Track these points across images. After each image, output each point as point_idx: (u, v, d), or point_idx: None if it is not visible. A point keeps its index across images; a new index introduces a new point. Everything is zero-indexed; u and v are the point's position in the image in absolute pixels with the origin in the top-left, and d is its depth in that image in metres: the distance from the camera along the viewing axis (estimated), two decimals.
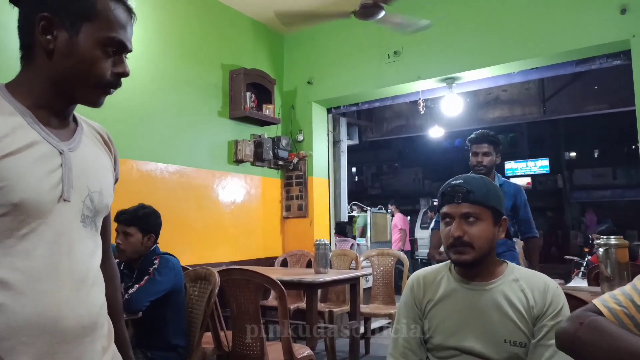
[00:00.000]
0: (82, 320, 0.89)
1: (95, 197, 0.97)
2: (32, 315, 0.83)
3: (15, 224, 0.84)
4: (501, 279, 1.36)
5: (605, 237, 2.19)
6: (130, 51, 0.98)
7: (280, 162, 5.08)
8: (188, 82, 4.24)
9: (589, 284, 3.55)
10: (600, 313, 0.92)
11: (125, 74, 0.96)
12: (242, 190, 4.73)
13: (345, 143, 5.97)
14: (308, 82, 5.22)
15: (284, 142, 5.01)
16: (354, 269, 4.30)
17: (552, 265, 9.00)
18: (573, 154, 20.63)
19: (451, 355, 1.33)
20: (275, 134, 5.09)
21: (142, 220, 2.31)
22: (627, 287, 0.95)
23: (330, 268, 3.95)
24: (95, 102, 0.97)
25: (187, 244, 4.04)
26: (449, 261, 1.44)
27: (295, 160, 5.10)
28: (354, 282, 3.60)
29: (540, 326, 1.27)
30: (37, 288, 0.84)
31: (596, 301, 0.95)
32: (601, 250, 2.16)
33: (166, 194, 3.94)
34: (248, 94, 4.66)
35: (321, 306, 4.11)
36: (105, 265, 1.05)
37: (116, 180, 1.12)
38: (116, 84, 0.96)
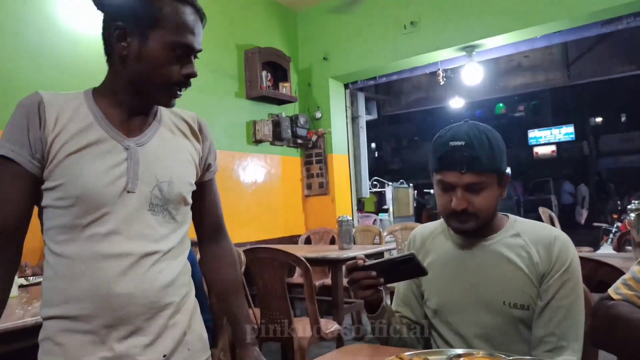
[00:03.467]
0: (134, 297, 0.95)
1: (165, 186, 1.02)
2: (88, 290, 0.94)
3: (81, 213, 0.95)
4: (500, 234, 1.20)
5: (637, 201, 2.13)
6: (199, 51, 1.02)
7: (299, 141, 5.07)
8: (203, 65, 4.19)
9: (617, 251, 3.49)
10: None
11: (193, 75, 1.01)
12: (262, 170, 4.75)
13: (364, 118, 5.91)
14: (324, 58, 5.15)
15: (302, 120, 4.99)
16: (377, 244, 4.30)
17: (579, 233, 8.86)
18: (599, 119, 20.04)
19: (448, 320, 1.22)
20: (292, 113, 5.07)
21: None
22: (635, 268, 0.96)
23: (354, 244, 3.96)
24: (166, 102, 1.04)
25: None
26: None
27: (314, 138, 5.08)
28: (378, 257, 3.61)
29: (546, 286, 1.12)
30: (92, 267, 0.94)
31: (610, 290, 0.97)
32: (633, 215, 2.11)
33: None
34: (264, 73, 4.62)
35: (346, 281, 4.13)
36: (217, 246, 1.25)
37: (210, 170, 1.19)
38: (185, 84, 1.02)
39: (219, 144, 4.28)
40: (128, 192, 0.98)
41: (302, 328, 2.56)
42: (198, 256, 3.14)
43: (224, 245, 1.27)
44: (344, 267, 1.13)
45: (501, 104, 19.80)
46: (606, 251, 4.79)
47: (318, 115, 5.17)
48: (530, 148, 19.99)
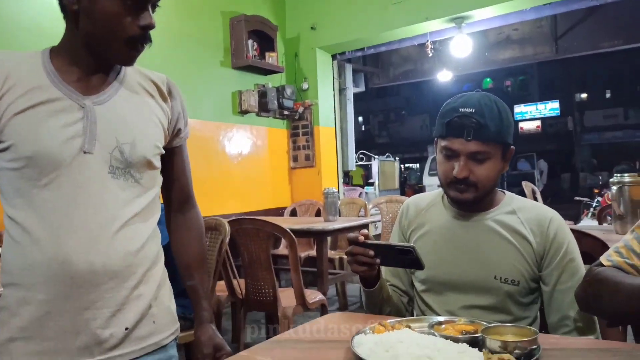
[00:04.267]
0: (94, 266, 0.90)
1: (126, 148, 0.96)
2: (44, 259, 0.89)
3: (35, 175, 0.90)
4: (496, 210, 1.19)
5: (619, 175, 2.15)
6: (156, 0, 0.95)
7: (286, 112, 5.00)
8: (188, 33, 4.11)
9: (599, 224, 3.56)
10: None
11: (150, 26, 0.94)
12: (248, 141, 4.70)
13: (351, 90, 5.84)
14: (311, 28, 5.04)
15: (288, 91, 4.91)
16: (362, 216, 4.32)
17: (561, 207, 9.01)
18: (584, 96, 20.19)
19: (436, 291, 1.21)
20: (279, 83, 4.99)
21: None
22: (628, 237, 0.97)
23: (339, 216, 3.97)
24: (125, 59, 0.97)
25: (196, 197, 4.06)
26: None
27: (300, 109, 5.02)
28: (363, 229, 3.62)
29: (549, 271, 1.13)
30: (50, 235, 0.90)
31: (602, 257, 0.98)
32: (615, 188, 2.13)
33: None
34: (250, 42, 4.52)
35: (331, 253, 4.16)
36: (183, 217, 1.18)
37: (181, 136, 1.13)
38: (144, 38, 0.95)
39: (204, 115, 4.23)
40: (85, 152, 0.92)
41: (286, 298, 2.58)
42: None
43: (191, 216, 1.20)
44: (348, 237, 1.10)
45: (489, 79, 19.81)
46: (587, 224, 4.88)
47: (305, 86, 5.09)
48: (516, 123, 20.12)
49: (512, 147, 1.17)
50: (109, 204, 0.94)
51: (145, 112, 1.03)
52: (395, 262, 1.11)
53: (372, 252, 1.06)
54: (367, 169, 8.68)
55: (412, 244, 1.07)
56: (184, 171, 1.18)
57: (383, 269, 1.27)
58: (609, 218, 3.37)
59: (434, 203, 1.29)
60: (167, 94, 1.08)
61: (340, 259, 4.11)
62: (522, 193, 5.28)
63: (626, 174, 2.17)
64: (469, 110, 1.11)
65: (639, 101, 17.27)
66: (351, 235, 1.09)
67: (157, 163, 1.04)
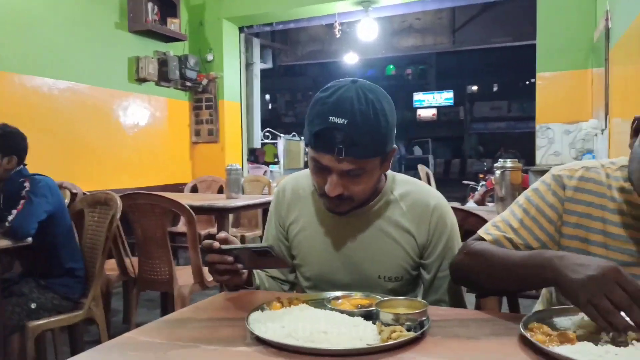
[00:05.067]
0: None
1: None
2: None
3: None
4: (378, 199, 1.10)
5: (502, 160, 2.34)
6: None
7: (188, 83, 4.77)
8: None
9: (479, 205, 3.90)
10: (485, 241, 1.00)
11: None
12: (146, 112, 4.41)
13: (258, 66, 5.73)
14: None
15: (191, 62, 4.68)
16: (266, 194, 4.28)
17: (451, 190, 9.73)
18: (475, 88, 21.85)
19: (322, 288, 1.12)
20: (182, 53, 4.73)
21: (1, 141, 2.09)
22: (506, 213, 1.03)
23: (243, 194, 3.90)
24: None
25: (84, 169, 3.74)
26: None
27: (204, 81, 4.82)
28: (266, 207, 3.60)
29: (430, 261, 1.10)
30: None
31: (480, 230, 1.03)
32: (498, 172, 2.32)
33: (56, 113, 3.55)
34: (150, 4, 4.21)
35: (233, 231, 4.09)
36: None
37: None
38: None
39: (95, 80, 3.88)
40: None
41: (184, 276, 2.48)
42: (67, 200, 2.85)
43: None
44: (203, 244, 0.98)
45: (392, 66, 20.63)
46: (472, 206, 5.32)
47: (210, 57, 4.88)
48: (414, 110, 21.30)
49: (394, 147, 1.06)
50: None
51: None
52: (257, 264, 1.02)
53: (230, 258, 0.96)
54: (276, 147, 8.62)
55: (269, 245, 0.96)
56: None
57: None
58: (489, 201, 3.68)
59: (312, 190, 1.15)
60: None
61: (242, 237, 4.06)
62: (417, 176, 5.61)
63: (509, 160, 2.37)
64: (341, 121, 0.93)
65: (521, 96, 19.09)
66: (205, 242, 0.98)
67: None
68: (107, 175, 3.96)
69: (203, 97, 4.89)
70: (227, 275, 1.00)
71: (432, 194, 1.13)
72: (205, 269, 2.57)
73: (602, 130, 3.39)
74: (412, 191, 1.12)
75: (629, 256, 0.91)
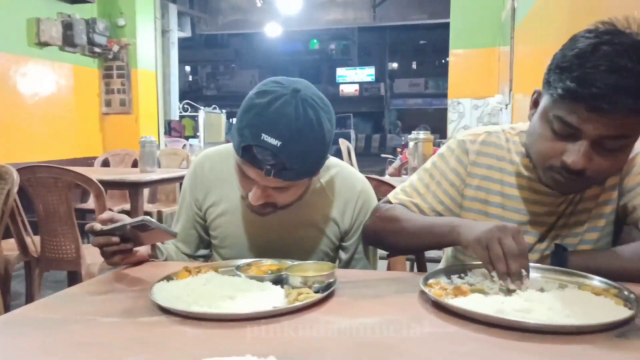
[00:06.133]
0: None
1: None
2: None
3: None
4: (304, 192, 1.06)
5: (415, 132, 2.44)
6: None
7: (97, 50, 4.43)
8: None
9: (394, 176, 4.09)
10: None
11: None
12: (48, 79, 4.05)
13: (175, 33, 5.46)
14: None
15: (100, 26, 4.35)
16: (185, 168, 4.14)
17: (371, 163, 10.04)
18: (395, 65, 22.47)
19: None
20: (89, 16, 4.37)
21: None
22: (414, 177, 1.08)
23: (159, 167, 3.74)
24: None
25: None
26: None
27: (115, 48, 4.50)
28: (183, 180, 3.48)
29: (349, 244, 1.12)
30: None
31: (390, 195, 1.07)
32: (411, 144, 2.42)
33: None
34: None
35: (149, 207, 3.93)
36: None
37: None
38: None
39: None
40: None
41: (93, 254, 2.34)
42: None
43: None
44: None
45: (315, 40, 20.60)
46: (388, 179, 5.53)
47: (121, 22, 4.56)
48: (338, 85, 21.55)
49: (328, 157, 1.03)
50: None
51: None
52: (142, 239, 0.95)
53: (116, 239, 0.92)
54: (195, 121, 8.32)
55: (143, 217, 0.87)
56: None
57: (179, 236, 1.14)
58: (404, 174, 3.84)
59: (231, 174, 1.05)
60: None
61: (159, 212, 3.91)
62: (339, 150, 5.70)
63: (421, 132, 2.47)
64: (274, 142, 0.85)
65: (438, 74, 19.92)
66: (88, 225, 0.93)
67: None
68: (4, 149, 3.61)
69: (114, 65, 4.58)
70: (119, 256, 0.95)
71: (357, 178, 1.13)
72: None
73: (507, 105, 3.63)
74: (338, 177, 1.10)
75: (523, 215, 0.99)
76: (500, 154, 1.02)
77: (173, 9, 5.41)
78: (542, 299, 0.71)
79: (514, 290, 0.74)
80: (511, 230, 0.77)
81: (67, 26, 4.08)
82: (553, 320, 0.64)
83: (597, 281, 0.80)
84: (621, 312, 0.66)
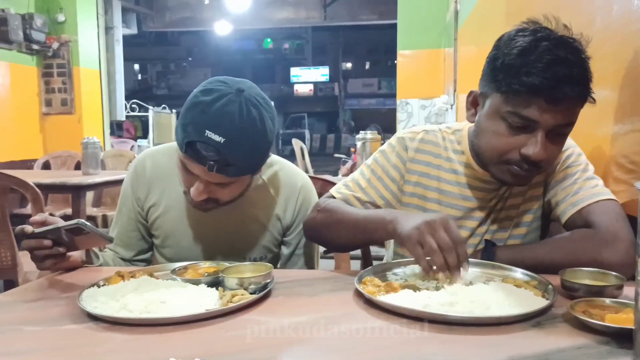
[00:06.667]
0: None
1: None
2: None
3: None
4: (246, 188, 1.07)
5: (363, 132, 2.48)
6: None
7: (36, 47, 4.23)
8: None
9: (345, 175, 4.13)
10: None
11: None
12: None
13: (120, 30, 5.28)
14: None
15: (38, 22, 4.14)
16: None
17: (326, 163, 10.11)
18: (349, 65, 22.70)
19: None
20: (26, 10, 4.15)
21: None
22: (357, 173, 1.11)
23: (104, 169, 3.62)
24: None
25: None
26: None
27: (55, 45, 4.31)
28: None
29: (290, 238, 1.14)
30: None
31: (332, 190, 1.09)
32: (359, 143, 2.45)
33: None
34: None
35: (93, 211, 3.79)
36: None
37: None
38: None
39: None
40: None
41: (30, 262, 2.23)
42: None
43: None
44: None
45: (269, 39, 20.48)
46: (340, 178, 5.58)
47: (61, 18, 4.37)
48: (292, 85, 21.53)
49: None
50: None
51: None
52: (77, 244, 0.91)
53: (48, 242, 0.88)
54: (142, 121, 8.09)
55: (77, 220, 0.85)
56: None
57: (116, 239, 1.12)
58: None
59: (173, 170, 1.06)
60: None
61: (104, 216, 3.78)
62: (292, 151, 5.69)
63: (369, 132, 2.51)
64: (217, 139, 0.87)
65: (390, 74, 20.30)
66: (18, 228, 0.89)
67: None
68: None
69: (54, 63, 4.38)
70: (50, 261, 0.91)
71: (299, 175, 1.16)
72: None
73: (452, 105, 3.76)
74: (280, 173, 1.13)
75: (459, 211, 1.03)
76: (437, 152, 1.06)
77: (117, 4, 5.23)
78: (467, 293, 0.74)
79: (448, 283, 0.77)
80: (441, 222, 0.79)
81: (2, 21, 3.87)
82: (475, 312, 0.68)
83: (519, 274, 0.84)
84: (538, 303, 0.70)
